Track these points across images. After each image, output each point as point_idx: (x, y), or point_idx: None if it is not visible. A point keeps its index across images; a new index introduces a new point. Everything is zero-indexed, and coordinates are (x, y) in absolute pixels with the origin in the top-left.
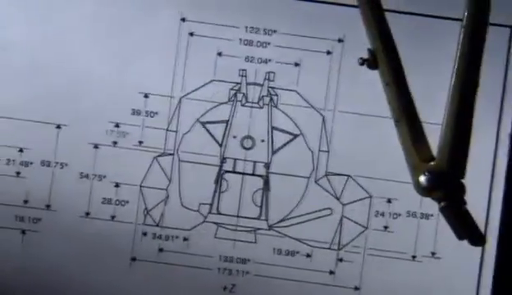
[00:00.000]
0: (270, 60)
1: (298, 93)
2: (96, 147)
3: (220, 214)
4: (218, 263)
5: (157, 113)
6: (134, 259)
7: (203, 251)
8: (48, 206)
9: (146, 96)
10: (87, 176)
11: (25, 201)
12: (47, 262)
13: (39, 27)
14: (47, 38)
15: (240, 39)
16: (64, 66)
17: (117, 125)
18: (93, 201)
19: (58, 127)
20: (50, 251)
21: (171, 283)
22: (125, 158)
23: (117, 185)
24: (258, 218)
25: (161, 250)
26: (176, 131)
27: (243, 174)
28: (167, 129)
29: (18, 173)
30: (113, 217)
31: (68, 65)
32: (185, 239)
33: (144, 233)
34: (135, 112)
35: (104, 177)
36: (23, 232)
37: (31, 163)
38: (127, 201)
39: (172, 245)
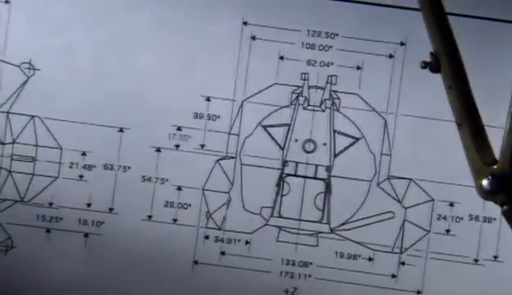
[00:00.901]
0: (332, 63)
1: (360, 97)
2: (158, 150)
3: (281, 217)
4: (280, 266)
5: (219, 116)
6: (196, 262)
7: (264, 254)
8: (110, 210)
9: (208, 99)
10: (149, 179)
11: (88, 205)
12: (109, 265)
13: (102, 30)
14: (109, 41)
15: (302, 43)
16: (127, 70)
17: (179, 129)
18: (156, 204)
19: (121, 130)
20: (113, 255)
21: (232, 286)
22: (187, 161)
23: (179, 188)
24: (319, 221)
25: (223, 253)
26: (238, 134)
27: (304, 177)
28: (229, 133)
29: (81, 176)
30: (175, 220)
31: (131, 68)
32: (247, 242)
33: (206, 237)
34: (198, 116)
35: (166, 180)
36: (86, 235)
37: (94, 166)
38: (189, 205)
39: (234, 248)
